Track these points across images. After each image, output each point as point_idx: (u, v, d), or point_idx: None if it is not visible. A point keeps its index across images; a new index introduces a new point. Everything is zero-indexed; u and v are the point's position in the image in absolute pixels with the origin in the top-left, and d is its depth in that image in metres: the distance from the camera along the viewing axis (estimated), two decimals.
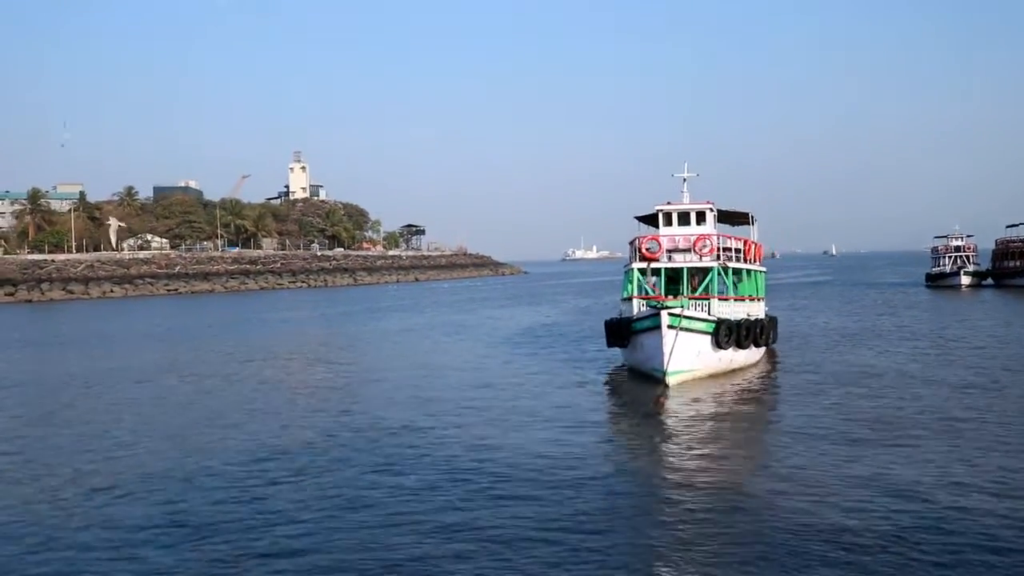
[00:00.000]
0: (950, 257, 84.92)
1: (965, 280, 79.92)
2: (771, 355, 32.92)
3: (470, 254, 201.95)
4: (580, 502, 14.25)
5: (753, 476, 15.73)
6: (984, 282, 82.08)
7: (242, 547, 12.56)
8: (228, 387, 28.97)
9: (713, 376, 26.89)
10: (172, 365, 35.94)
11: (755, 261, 32.74)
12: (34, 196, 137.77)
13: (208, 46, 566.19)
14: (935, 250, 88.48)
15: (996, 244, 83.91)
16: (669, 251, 29.35)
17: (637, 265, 29.03)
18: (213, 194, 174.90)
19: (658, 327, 25.01)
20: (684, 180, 30.82)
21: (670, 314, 24.88)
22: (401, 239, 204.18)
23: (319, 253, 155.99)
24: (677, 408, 22.58)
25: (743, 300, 30.50)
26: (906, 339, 37.88)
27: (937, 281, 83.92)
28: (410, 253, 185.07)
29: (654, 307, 25.78)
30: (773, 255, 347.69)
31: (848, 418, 20.49)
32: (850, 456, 16.75)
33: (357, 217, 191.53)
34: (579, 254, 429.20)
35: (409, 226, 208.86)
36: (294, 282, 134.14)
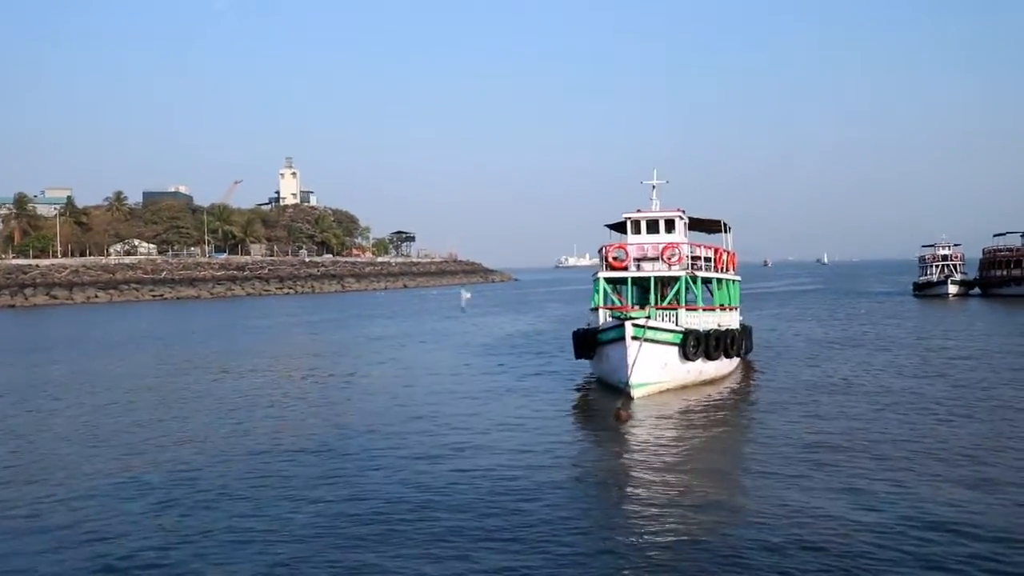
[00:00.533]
0: (937, 266, 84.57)
1: (952, 289, 79.50)
2: (746, 366, 32.35)
3: (460, 261, 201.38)
4: (518, 517, 13.59)
5: (705, 492, 15.02)
6: (971, 291, 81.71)
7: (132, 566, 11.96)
8: (181, 396, 28.25)
9: (682, 388, 26.21)
10: (137, 373, 35.23)
11: (727, 270, 32.05)
12: (20, 201, 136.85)
13: (200, 51, 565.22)
14: (922, 259, 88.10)
15: (983, 253, 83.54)
16: (637, 260, 28.57)
17: (603, 275, 28.36)
18: (204, 200, 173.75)
19: (622, 338, 24.32)
20: (653, 187, 29.92)
21: (634, 325, 24.20)
22: (391, 245, 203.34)
23: (307, 259, 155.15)
24: (637, 422, 21.85)
25: (713, 310, 29.81)
26: (884, 350, 37.31)
27: (924, 290, 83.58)
28: (399, 260, 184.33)
29: (618, 318, 25.12)
30: (765, 263, 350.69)
31: (812, 432, 19.88)
32: (809, 470, 16.14)
33: (347, 223, 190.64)
34: (572, 261, 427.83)
35: (399, 232, 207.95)
36: (281, 288, 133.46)
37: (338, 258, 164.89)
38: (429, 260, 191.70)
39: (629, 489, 15.62)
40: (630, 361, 23.99)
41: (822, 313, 64.81)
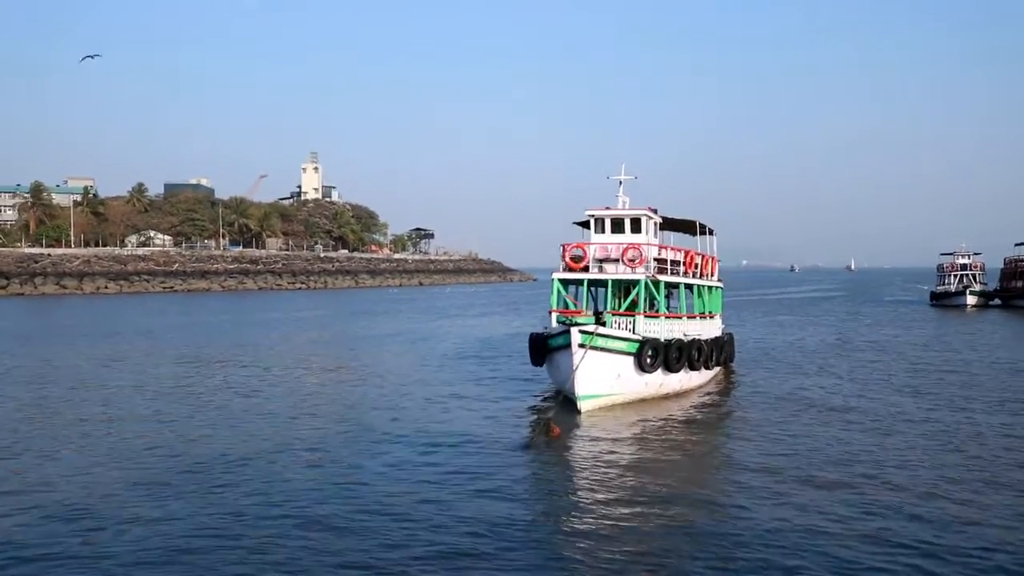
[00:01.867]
0: (955, 275, 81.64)
1: (970, 300, 76.68)
2: (725, 376, 30.48)
3: (480, 259, 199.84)
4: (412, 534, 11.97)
5: (622, 524, 13.26)
6: (991, 302, 78.69)
7: None
8: (117, 394, 26.91)
9: (639, 402, 24.20)
10: (99, 365, 34.06)
11: (702, 275, 29.99)
12: (36, 190, 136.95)
13: (229, 44, 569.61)
14: (940, 268, 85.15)
15: (1004, 263, 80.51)
16: (600, 261, 26.57)
17: (557, 275, 26.33)
18: (228, 193, 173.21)
19: (569, 345, 22.43)
20: (620, 183, 27.68)
21: (581, 331, 22.29)
22: (409, 242, 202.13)
23: (322, 255, 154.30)
24: (572, 438, 19.91)
25: (679, 317, 27.71)
26: (876, 363, 35.32)
27: (942, 300, 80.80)
28: (416, 257, 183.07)
29: (563, 323, 23.23)
30: (793, 269, 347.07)
31: (766, 453, 18.11)
32: (751, 496, 14.34)
33: (366, 219, 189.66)
34: None
35: (418, 229, 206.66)
36: (293, 283, 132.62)
37: (353, 254, 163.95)
38: (447, 258, 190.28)
39: (534, 518, 13.88)
40: (575, 371, 22.12)
41: (830, 320, 62.64)
